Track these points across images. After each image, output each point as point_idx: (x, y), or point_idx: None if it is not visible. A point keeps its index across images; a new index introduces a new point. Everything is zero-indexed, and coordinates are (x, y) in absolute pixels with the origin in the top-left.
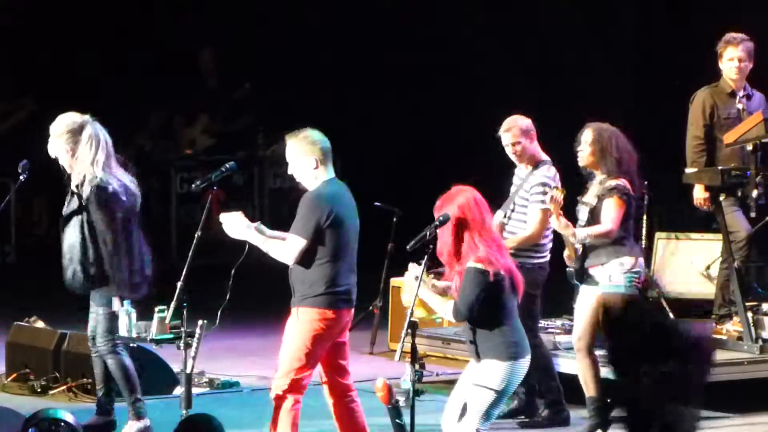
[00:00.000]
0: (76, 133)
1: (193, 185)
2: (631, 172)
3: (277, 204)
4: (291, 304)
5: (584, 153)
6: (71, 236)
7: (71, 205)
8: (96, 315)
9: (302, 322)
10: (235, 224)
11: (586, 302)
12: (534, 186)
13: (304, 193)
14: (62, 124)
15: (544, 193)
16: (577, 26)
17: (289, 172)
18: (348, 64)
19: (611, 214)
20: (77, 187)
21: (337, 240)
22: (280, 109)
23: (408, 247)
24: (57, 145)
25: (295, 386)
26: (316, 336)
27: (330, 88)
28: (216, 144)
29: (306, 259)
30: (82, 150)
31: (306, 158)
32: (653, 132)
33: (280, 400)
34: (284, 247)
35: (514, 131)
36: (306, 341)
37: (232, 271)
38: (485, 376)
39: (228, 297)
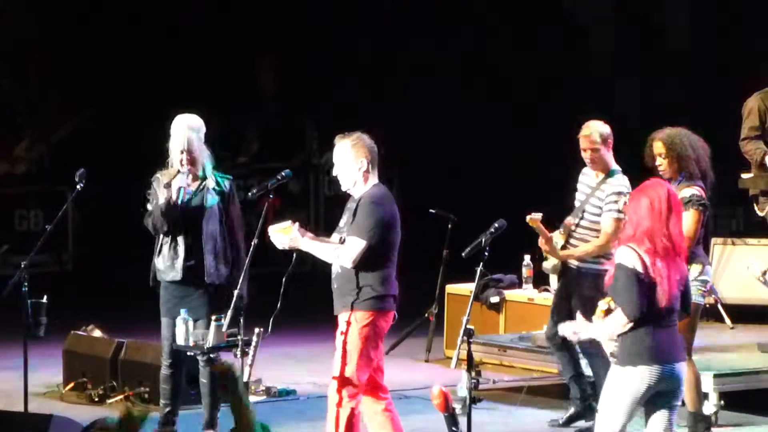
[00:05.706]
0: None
1: (249, 193)
2: (705, 171)
3: (332, 211)
4: (339, 308)
5: (663, 166)
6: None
7: (205, 197)
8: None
9: (362, 325)
10: (283, 236)
11: None
12: (609, 195)
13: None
14: (199, 120)
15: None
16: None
17: (335, 173)
18: (399, 69)
19: (687, 227)
20: (205, 181)
21: (392, 242)
22: (337, 116)
23: (464, 253)
24: (193, 140)
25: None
26: (378, 338)
27: (384, 96)
28: (270, 151)
29: (363, 261)
30: (203, 148)
31: (357, 161)
32: (707, 135)
33: (360, 405)
34: (344, 250)
35: (594, 136)
36: (370, 344)
37: (283, 280)
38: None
39: (279, 305)
